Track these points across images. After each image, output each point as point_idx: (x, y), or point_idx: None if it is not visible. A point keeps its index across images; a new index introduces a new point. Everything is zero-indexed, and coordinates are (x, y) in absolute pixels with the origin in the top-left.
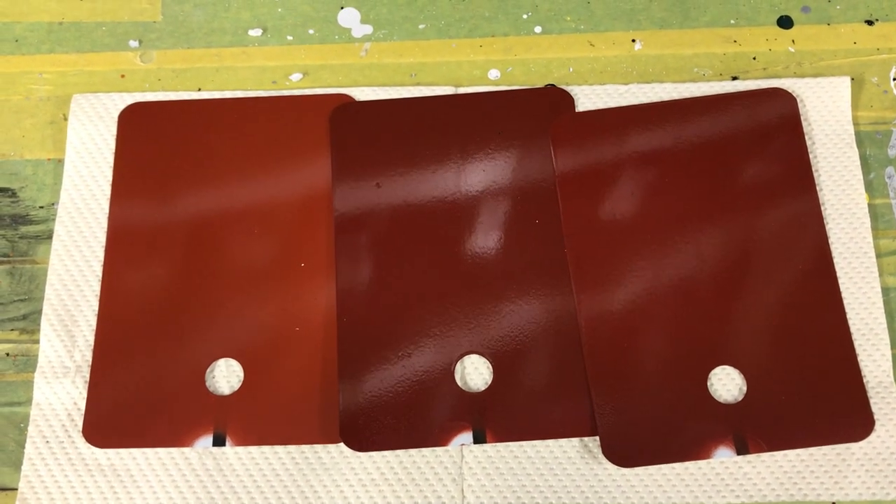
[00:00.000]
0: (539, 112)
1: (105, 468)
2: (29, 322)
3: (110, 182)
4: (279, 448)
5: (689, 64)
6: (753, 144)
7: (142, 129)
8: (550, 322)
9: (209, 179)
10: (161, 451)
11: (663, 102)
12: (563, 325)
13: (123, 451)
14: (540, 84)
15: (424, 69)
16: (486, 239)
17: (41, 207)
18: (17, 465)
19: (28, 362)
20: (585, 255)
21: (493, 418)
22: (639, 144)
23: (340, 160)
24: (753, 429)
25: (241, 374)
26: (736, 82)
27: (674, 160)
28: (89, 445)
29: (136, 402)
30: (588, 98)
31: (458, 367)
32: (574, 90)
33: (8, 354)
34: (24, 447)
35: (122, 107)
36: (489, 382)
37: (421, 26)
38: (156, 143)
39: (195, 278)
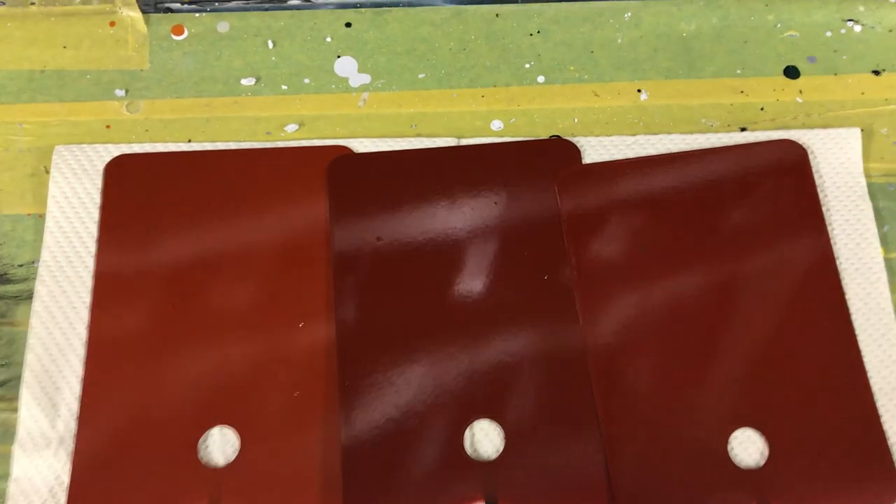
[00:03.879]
0: (545, 164)
1: None
2: (7, 389)
3: (95, 238)
4: None
5: (697, 115)
6: (764, 197)
7: (129, 182)
8: (563, 384)
9: (201, 235)
10: None
11: (671, 154)
12: (576, 386)
13: None
14: (544, 135)
15: (425, 119)
16: (493, 295)
17: (20, 266)
18: None
19: (6, 434)
20: (596, 311)
21: (506, 489)
22: (648, 196)
23: (339, 214)
24: (777, 495)
25: (237, 444)
26: (745, 133)
27: (683, 213)
28: None
29: (124, 475)
30: (594, 149)
31: (468, 433)
32: (580, 141)
33: None
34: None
35: (107, 159)
36: (500, 450)
37: (421, 75)
38: (144, 196)
39: (187, 341)
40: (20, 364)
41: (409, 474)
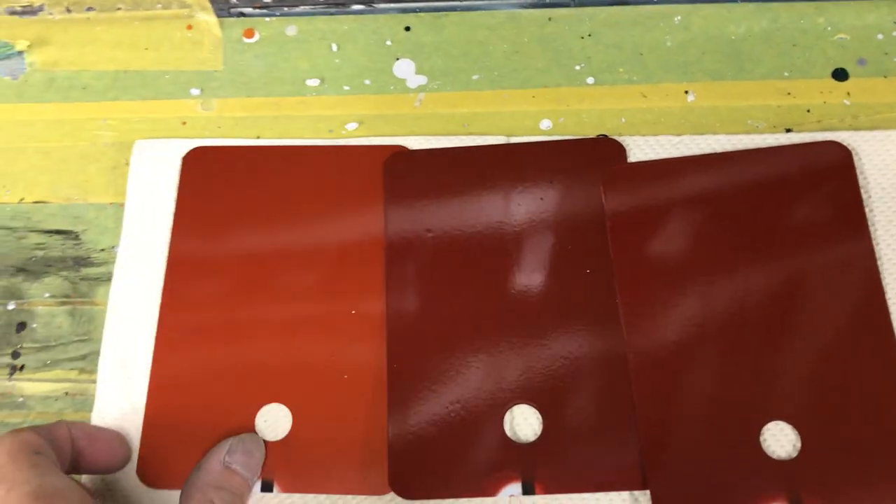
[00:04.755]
0: (591, 162)
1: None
2: (88, 362)
3: (169, 226)
4: (323, 497)
5: (743, 116)
6: (807, 197)
7: (204, 172)
8: (601, 373)
9: (266, 224)
10: None
11: (716, 154)
12: (614, 375)
13: (175, 493)
14: (592, 134)
15: (477, 119)
16: (536, 287)
17: (102, 250)
18: None
19: (85, 402)
20: (636, 305)
21: (543, 469)
22: (691, 195)
23: (392, 207)
24: (810, 487)
25: (290, 420)
26: (790, 135)
27: (726, 211)
28: (142, 484)
29: (188, 444)
30: (640, 149)
31: (508, 416)
32: (626, 141)
33: (67, 393)
34: None
35: (181, 152)
36: (538, 433)
37: (474, 77)
38: (216, 186)
39: (248, 322)
40: (99, 340)
41: (452, 454)
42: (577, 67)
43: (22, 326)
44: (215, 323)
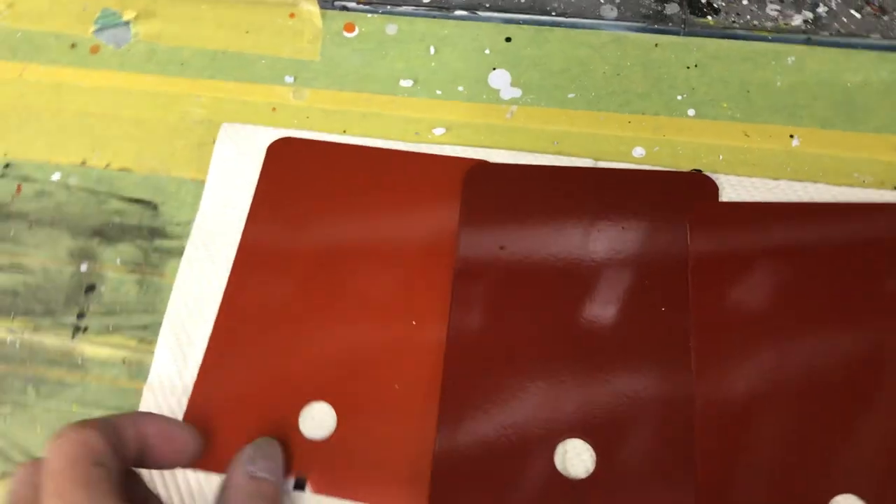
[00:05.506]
0: (680, 196)
1: (192, 487)
2: (148, 333)
3: (245, 211)
4: None
5: (849, 168)
6: None
7: (286, 164)
8: (663, 417)
9: (340, 223)
10: None
11: (815, 203)
12: (676, 421)
13: (213, 477)
14: (686, 168)
15: (568, 138)
16: (606, 320)
17: (177, 224)
18: None
19: (140, 371)
20: (710, 351)
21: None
22: (782, 243)
23: (468, 219)
24: None
25: (334, 422)
26: None
27: (818, 265)
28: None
29: (230, 429)
30: (734, 188)
31: (560, 448)
32: (720, 179)
33: (124, 361)
34: None
35: (267, 140)
36: (590, 470)
37: (570, 95)
38: (297, 179)
39: (307, 319)
40: (162, 313)
41: (498, 480)
42: (679, 97)
43: (91, 289)
44: (275, 315)
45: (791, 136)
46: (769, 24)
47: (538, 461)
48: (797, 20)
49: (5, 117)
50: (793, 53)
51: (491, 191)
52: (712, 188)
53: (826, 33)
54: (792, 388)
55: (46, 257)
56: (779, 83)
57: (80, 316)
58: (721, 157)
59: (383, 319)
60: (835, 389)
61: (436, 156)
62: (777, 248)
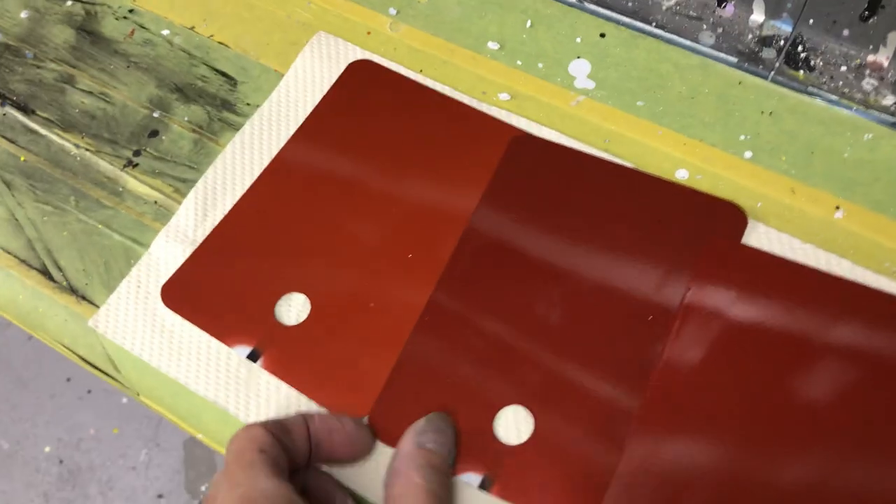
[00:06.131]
0: (706, 222)
1: (166, 327)
2: (185, 186)
3: (303, 116)
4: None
5: (883, 255)
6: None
7: (357, 85)
8: (602, 412)
9: (379, 155)
10: (213, 340)
11: (833, 276)
12: (614, 422)
13: (187, 324)
14: None
15: (620, 140)
16: (585, 307)
17: (247, 104)
18: (111, 289)
19: (165, 216)
20: (667, 397)
21: (510, 474)
22: (790, 311)
23: (497, 183)
24: None
25: (308, 307)
26: None
27: (818, 346)
28: (162, 303)
29: (217, 290)
30: (760, 236)
31: (505, 412)
32: (752, 224)
33: (156, 202)
34: (122, 279)
35: (350, 57)
36: (523, 441)
37: (639, 103)
38: (359, 103)
39: (313, 230)
40: (202, 173)
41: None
42: (742, 137)
43: (154, 133)
44: (285, 219)
45: (837, 208)
46: (858, 96)
47: (476, 427)
48: (889, 100)
49: None
50: (872, 131)
51: (529, 163)
52: (741, 224)
53: None
54: (734, 464)
55: (130, 96)
56: (846, 154)
57: (137, 153)
58: (759, 204)
59: (381, 258)
60: (785, 457)
61: (490, 116)
62: (783, 315)
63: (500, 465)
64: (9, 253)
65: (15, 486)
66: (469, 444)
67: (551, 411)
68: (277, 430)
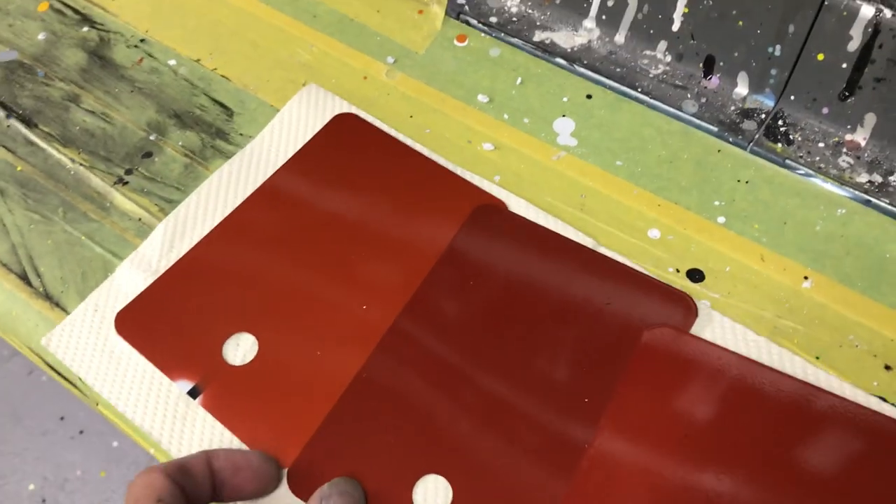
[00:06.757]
0: (656, 309)
1: (115, 354)
2: (170, 206)
3: (283, 160)
4: None
5: (847, 328)
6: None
7: (341, 136)
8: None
9: (354, 203)
10: (157, 372)
11: (786, 376)
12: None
13: (136, 353)
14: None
15: (596, 197)
16: (515, 391)
17: (241, 135)
18: (83, 297)
19: (147, 233)
20: (595, 486)
21: None
22: (732, 406)
23: (456, 248)
24: None
25: (255, 349)
26: (882, 404)
27: (759, 442)
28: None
29: (169, 323)
30: (716, 327)
31: (421, 483)
32: (703, 307)
33: (140, 219)
34: (94, 289)
35: (336, 110)
36: None
37: (618, 163)
38: (342, 150)
39: (273, 274)
40: (186, 196)
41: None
42: (717, 202)
43: (148, 154)
44: (254, 260)
45: (805, 278)
46: (834, 172)
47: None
48: (863, 178)
49: (159, 6)
50: (845, 206)
51: (489, 232)
52: (689, 318)
53: (887, 201)
54: None
55: (130, 118)
56: (818, 227)
57: (128, 171)
58: (728, 268)
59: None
60: None
61: (463, 180)
62: (724, 408)
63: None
64: None
65: None
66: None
67: (471, 485)
68: (177, 474)
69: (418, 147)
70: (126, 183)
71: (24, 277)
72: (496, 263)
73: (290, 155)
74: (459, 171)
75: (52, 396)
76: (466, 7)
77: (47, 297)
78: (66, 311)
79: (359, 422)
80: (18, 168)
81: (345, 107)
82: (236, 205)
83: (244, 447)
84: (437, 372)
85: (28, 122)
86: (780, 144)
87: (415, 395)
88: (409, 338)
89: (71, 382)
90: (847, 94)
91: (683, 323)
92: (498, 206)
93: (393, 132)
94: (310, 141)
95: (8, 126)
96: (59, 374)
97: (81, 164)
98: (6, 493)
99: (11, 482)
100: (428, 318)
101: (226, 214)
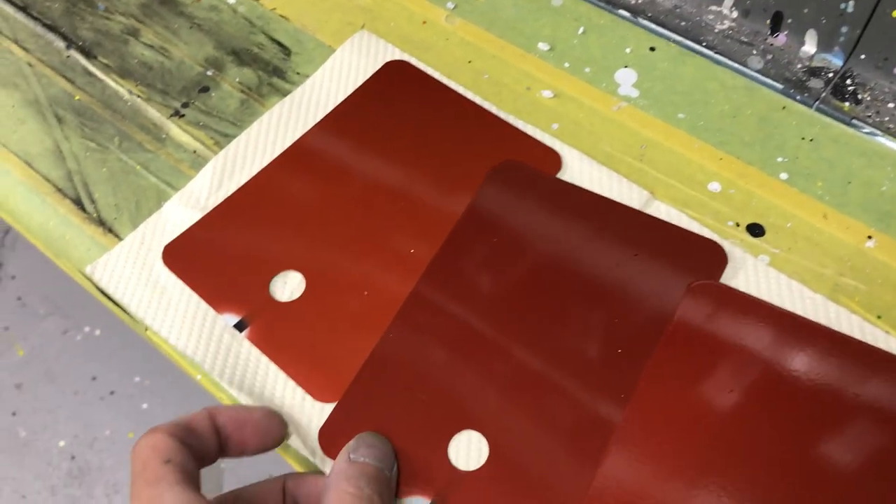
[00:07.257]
0: (689, 258)
1: (160, 284)
2: (225, 140)
3: (333, 105)
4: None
5: None
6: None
7: (392, 83)
8: (568, 432)
9: (404, 155)
10: (202, 305)
11: (822, 327)
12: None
13: (180, 285)
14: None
15: (657, 149)
16: (555, 339)
17: (297, 73)
18: (135, 224)
19: (202, 165)
20: (634, 430)
21: (461, 500)
22: (768, 356)
23: (481, 206)
24: None
25: (303, 287)
26: None
27: (795, 391)
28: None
29: (217, 258)
30: (772, 283)
31: (461, 436)
32: (761, 262)
33: (195, 151)
34: (151, 216)
35: (387, 57)
36: (480, 465)
37: (680, 115)
38: (393, 99)
39: (321, 214)
40: (241, 131)
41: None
42: (780, 159)
43: (205, 89)
44: (293, 201)
45: (869, 237)
46: None
47: (431, 455)
48: None
49: None
50: None
51: (516, 189)
52: (721, 260)
53: None
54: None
55: (188, 53)
56: (884, 188)
57: (185, 105)
58: (789, 224)
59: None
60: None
61: (511, 126)
62: (756, 358)
63: (451, 490)
64: (48, 181)
65: (25, 476)
66: (419, 468)
67: (509, 439)
68: (181, 433)
69: (470, 95)
70: (182, 116)
71: (78, 203)
72: (529, 223)
73: (339, 100)
74: (512, 120)
75: (85, 357)
76: None
77: (101, 222)
78: (118, 238)
79: (393, 373)
80: (76, 97)
81: (396, 54)
82: (285, 147)
83: (290, 381)
84: (470, 323)
85: (87, 53)
86: (847, 104)
87: (448, 348)
88: (442, 284)
89: (120, 306)
90: None
91: (714, 272)
92: (521, 164)
93: (446, 80)
94: (360, 87)
95: (68, 56)
96: (108, 297)
97: (139, 96)
98: (37, 449)
99: (42, 439)
100: (462, 262)
101: (275, 156)
